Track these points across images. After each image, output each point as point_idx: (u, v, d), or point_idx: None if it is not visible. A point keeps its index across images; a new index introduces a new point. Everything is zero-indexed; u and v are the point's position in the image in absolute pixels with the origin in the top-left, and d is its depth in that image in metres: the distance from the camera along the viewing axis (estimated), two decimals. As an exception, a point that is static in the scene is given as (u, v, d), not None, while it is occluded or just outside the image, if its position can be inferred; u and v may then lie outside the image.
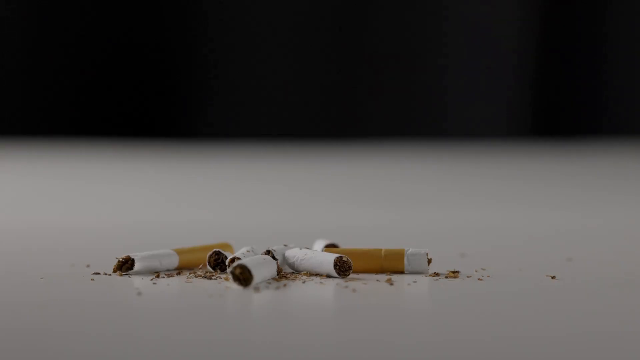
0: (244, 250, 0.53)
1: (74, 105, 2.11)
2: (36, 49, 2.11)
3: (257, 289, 0.48)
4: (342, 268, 0.52)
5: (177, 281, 0.51)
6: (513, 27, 2.12)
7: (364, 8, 2.09)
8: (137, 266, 0.53)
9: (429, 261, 0.54)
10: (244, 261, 0.49)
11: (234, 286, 0.49)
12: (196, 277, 0.52)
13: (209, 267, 0.53)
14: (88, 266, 0.56)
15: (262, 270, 0.50)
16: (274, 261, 0.51)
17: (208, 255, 0.53)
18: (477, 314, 0.44)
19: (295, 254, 0.53)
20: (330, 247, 0.57)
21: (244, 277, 0.49)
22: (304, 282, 0.51)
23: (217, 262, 0.53)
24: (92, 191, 1.27)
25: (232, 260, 0.51)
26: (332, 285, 0.50)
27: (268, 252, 0.53)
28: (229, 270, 0.50)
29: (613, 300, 0.48)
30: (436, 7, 2.11)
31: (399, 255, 0.53)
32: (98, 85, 2.04)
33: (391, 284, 0.50)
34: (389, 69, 2.11)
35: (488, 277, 0.53)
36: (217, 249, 0.53)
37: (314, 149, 1.85)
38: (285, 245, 0.54)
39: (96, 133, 2.04)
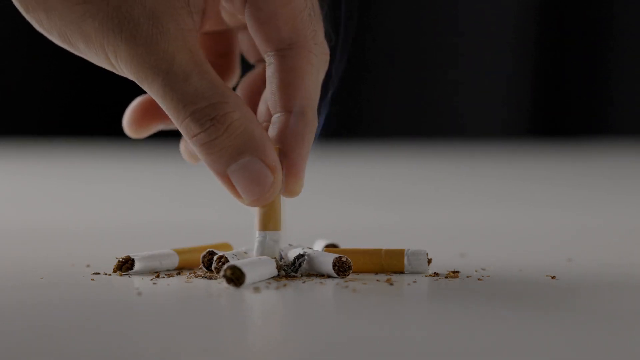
0: (239, 250, 0.53)
1: (74, 106, 2.11)
2: (37, 49, 2.11)
3: (257, 289, 0.48)
4: (342, 268, 0.52)
5: (177, 281, 0.51)
6: (513, 28, 2.11)
7: (363, 9, 2.08)
8: (137, 266, 0.53)
9: (429, 261, 0.54)
10: (233, 262, 0.49)
11: (231, 288, 0.49)
12: (196, 277, 0.52)
13: (203, 268, 0.53)
14: (88, 266, 0.56)
15: (256, 268, 0.50)
16: (272, 260, 0.51)
17: (202, 256, 0.53)
18: (477, 314, 0.44)
19: (295, 253, 0.53)
20: (330, 247, 0.57)
21: (235, 276, 0.49)
22: (304, 282, 0.51)
23: (212, 262, 0.53)
24: (92, 191, 1.27)
25: (219, 260, 0.51)
26: (332, 285, 0.50)
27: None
28: (220, 274, 0.50)
29: (613, 301, 0.48)
30: (434, 8, 2.11)
31: (399, 255, 0.53)
32: (98, 86, 2.04)
33: (391, 284, 0.50)
34: (388, 70, 2.11)
35: (488, 277, 0.53)
36: (211, 249, 0.53)
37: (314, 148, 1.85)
38: (290, 245, 0.54)
39: (97, 133, 2.04)
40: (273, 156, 0.50)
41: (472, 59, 2.11)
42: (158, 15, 0.49)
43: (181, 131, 0.50)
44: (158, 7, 0.49)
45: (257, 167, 0.50)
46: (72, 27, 0.49)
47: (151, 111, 0.57)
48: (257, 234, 0.52)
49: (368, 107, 2.12)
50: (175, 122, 0.50)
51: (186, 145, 0.58)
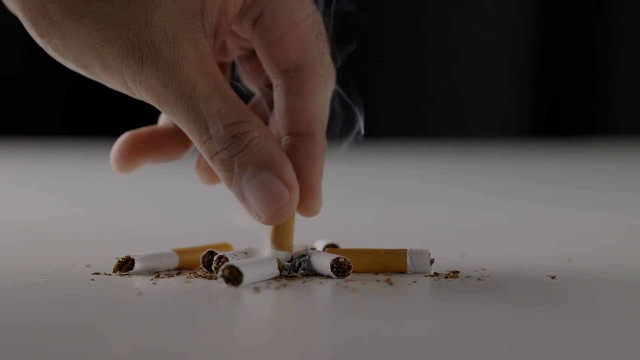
0: (239, 249, 0.53)
1: (74, 105, 2.11)
2: (37, 48, 2.11)
3: (257, 289, 0.48)
4: (340, 269, 0.52)
5: (177, 281, 0.51)
6: (513, 28, 2.11)
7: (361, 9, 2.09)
8: (137, 266, 0.53)
9: (432, 261, 0.54)
10: (232, 262, 0.49)
11: (230, 288, 0.49)
12: (196, 277, 0.52)
13: (203, 268, 0.53)
14: (88, 266, 0.56)
15: (255, 268, 0.50)
16: (273, 260, 0.51)
17: (202, 256, 0.53)
18: (477, 314, 0.44)
19: (297, 254, 0.53)
20: (331, 247, 0.57)
21: (233, 276, 0.49)
22: (304, 282, 0.51)
23: (212, 262, 0.53)
24: (92, 191, 1.27)
25: (219, 259, 0.51)
26: (332, 285, 0.50)
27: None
28: (218, 274, 0.50)
29: (613, 301, 0.48)
30: (435, 9, 2.11)
31: (401, 254, 0.53)
32: (98, 85, 2.04)
33: (391, 284, 0.50)
34: (389, 70, 2.11)
35: (488, 277, 0.53)
36: (211, 249, 0.53)
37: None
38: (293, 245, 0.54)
39: (97, 133, 2.04)
40: (290, 174, 0.51)
41: (472, 59, 2.11)
42: (178, 41, 0.49)
43: (202, 152, 0.50)
44: (178, 32, 0.49)
45: (274, 184, 0.50)
46: (89, 52, 0.49)
47: (139, 147, 0.57)
48: (269, 249, 0.53)
49: (368, 107, 2.12)
50: (197, 143, 0.50)
51: (201, 167, 0.59)
